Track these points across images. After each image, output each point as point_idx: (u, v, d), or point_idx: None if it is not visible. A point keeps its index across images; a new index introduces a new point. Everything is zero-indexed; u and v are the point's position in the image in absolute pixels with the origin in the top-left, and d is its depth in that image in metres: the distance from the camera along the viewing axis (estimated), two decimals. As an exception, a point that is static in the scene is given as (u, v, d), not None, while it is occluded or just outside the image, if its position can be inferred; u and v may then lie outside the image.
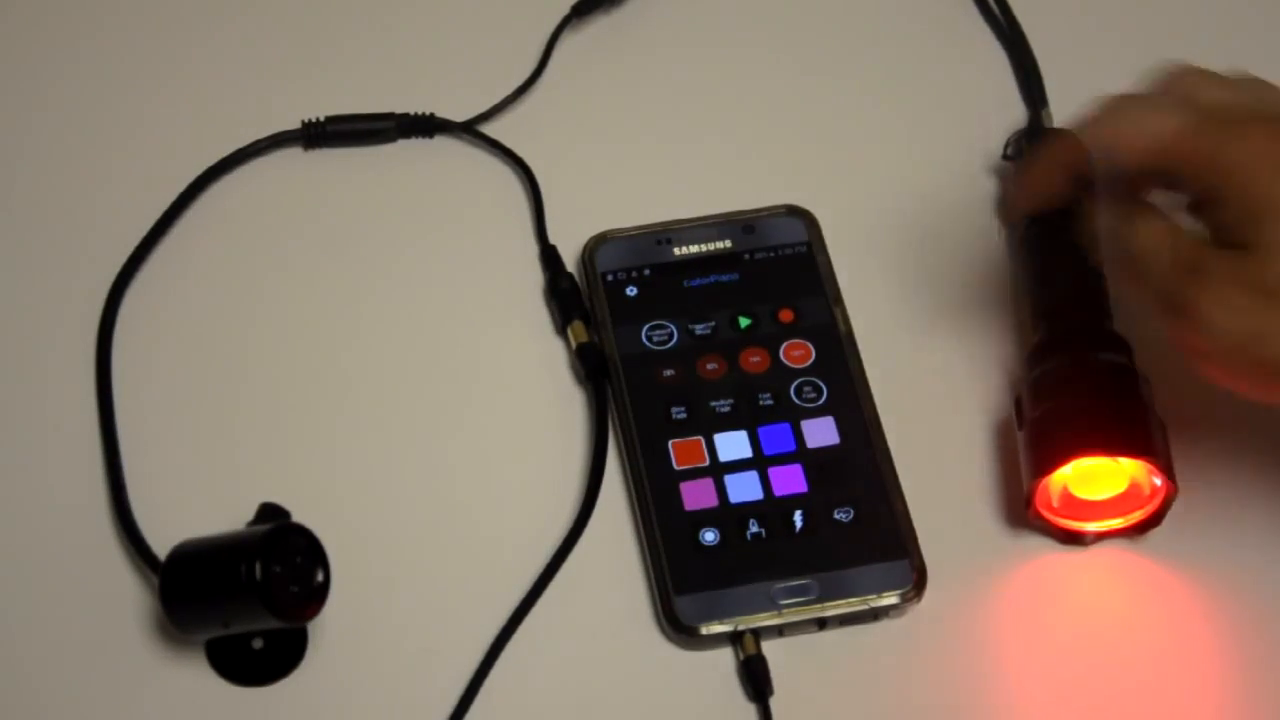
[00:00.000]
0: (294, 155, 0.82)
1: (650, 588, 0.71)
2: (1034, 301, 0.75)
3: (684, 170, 0.81)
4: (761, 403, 0.74)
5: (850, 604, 0.70)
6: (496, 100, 0.83)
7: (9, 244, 0.80)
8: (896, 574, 0.70)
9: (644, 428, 0.74)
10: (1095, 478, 0.71)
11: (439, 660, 0.70)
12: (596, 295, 0.77)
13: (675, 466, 0.73)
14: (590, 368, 0.75)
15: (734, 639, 0.70)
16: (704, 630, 0.69)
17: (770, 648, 0.69)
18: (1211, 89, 0.65)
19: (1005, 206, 0.74)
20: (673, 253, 0.78)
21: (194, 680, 0.69)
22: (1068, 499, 0.71)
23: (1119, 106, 0.65)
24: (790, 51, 0.86)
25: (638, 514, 0.72)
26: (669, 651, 0.70)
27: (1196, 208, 0.64)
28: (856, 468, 0.73)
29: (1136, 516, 0.71)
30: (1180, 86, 0.66)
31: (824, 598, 0.70)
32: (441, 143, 0.83)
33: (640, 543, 0.72)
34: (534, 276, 0.79)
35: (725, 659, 0.70)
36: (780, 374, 0.75)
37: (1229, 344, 0.62)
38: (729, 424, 0.74)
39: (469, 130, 0.83)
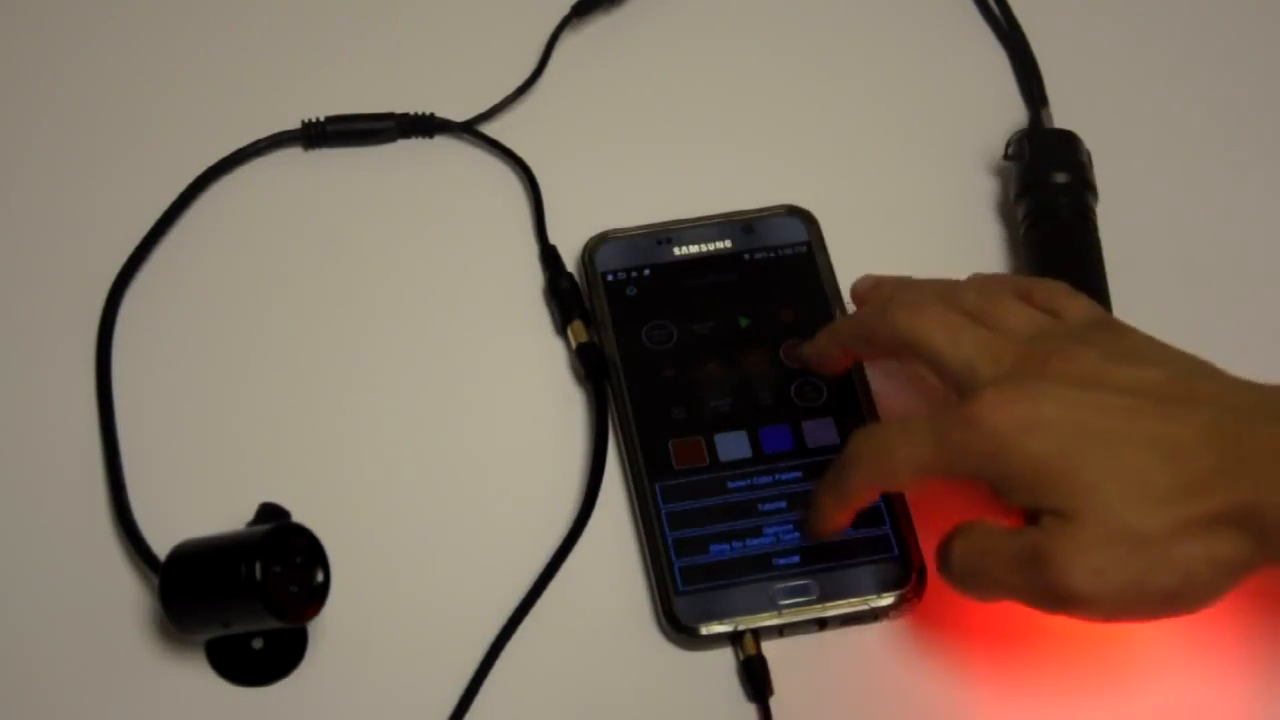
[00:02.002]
0: (294, 155, 0.82)
1: (650, 588, 0.71)
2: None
3: (684, 170, 0.81)
4: (761, 403, 0.74)
5: (850, 604, 0.70)
6: (496, 100, 0.83)
7: (9, 244, 0.80)
8: (896, 574, 0.70)
9: (644, 428, 0.74)
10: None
11: (439, 660, 0.70)
12: (596, 295, 0.77)
13: (675, 466, 0.73)
14: (590, 368, 0.75)
15: (734, 639, 0.70)
16: (704, 630, 0.69)
17: (770, 648, 0.69)
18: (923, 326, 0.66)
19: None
20: (673, 253, 0.78)
21: (194, 680, 0.69)
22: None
23: (870, 450, 0.65)
24: (790, 51, 0.86)
25: (638, 514, 0.72)
26: (669, 651, 0.70)
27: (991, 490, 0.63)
28: (856, 468, 0.73)
29: (1137, 517, 0.71)
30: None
31: (824, 598, 0.70)
32: (441, 143, 0.83)
33: (640, 543, 0.72)
34: (534, 276, 0.79)
35: (725, 659, 0.70)
36: (780, 374, 0.75)
37: (1120, 602, 0.61)
38: (729, 424, 0.74)
39: (469, 130, 0.83)
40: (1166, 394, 0.62)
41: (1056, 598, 0.61)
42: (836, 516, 0.68)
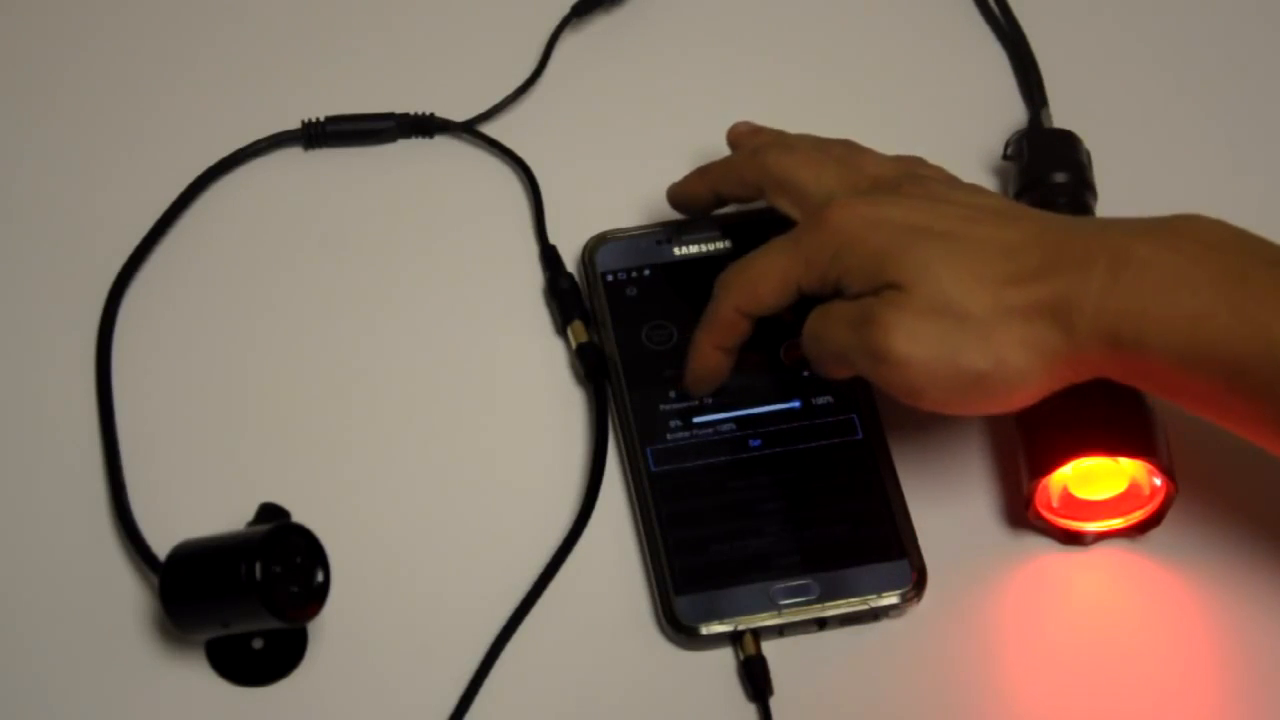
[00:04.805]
0: (294, 155, 0.82)
1: (650, 588, 0.71)
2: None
3: (684, 170, 0.81)
4: (761, 402, 0.74)
5: (850, 604, 0.70)
6: (496, 100, 0.83)
7: (9, 244, 0.80)
8: (896, 574, 0.70)
9: (644, 428, 0.74)
10: (1095, 478, 0.71)
11: (439, 660, 0.70)
12: (596, 295, 0.77)
13: (675, 466, 0.73)
14: (590, 368, 0.75)
15: (734, 639, 0.70)
16: (704, 630, 0.69)
17: (770, 648, 0.69)
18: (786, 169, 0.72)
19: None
20: (673, 253, 0.78)
21: (194, 680, 0.69)
22: (1068, 499, 0.71)
23: (734, 275, 0.70)
24: (790, 51, 0.86)
25: (638, 514, 0.72)
26: (669, 651, 0.70)
27: (843, 295, 0.68)
28: (856, 468, 0.73)
29: (1136, 516, 0.71)
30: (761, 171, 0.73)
31: (824, 598, 0.70)
32: (441, 143, 0.83)
33: (640, 543, 0.72)
34: (534, 276, 0.79)
35: (725, 659, 0.70)
36: (780, 374, 0.75)
37: (932, 371, 0.65)
38: (729, 424, 0.74)
39: (469, 130, 0.83)
40: (1002, 210, 0.68)
41: (876, 356, 0.65)
42: (709, 352, 0.71)
